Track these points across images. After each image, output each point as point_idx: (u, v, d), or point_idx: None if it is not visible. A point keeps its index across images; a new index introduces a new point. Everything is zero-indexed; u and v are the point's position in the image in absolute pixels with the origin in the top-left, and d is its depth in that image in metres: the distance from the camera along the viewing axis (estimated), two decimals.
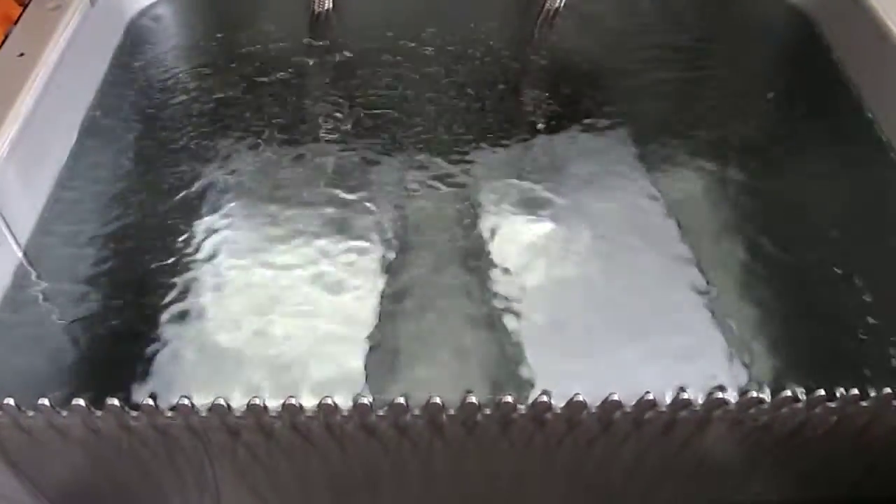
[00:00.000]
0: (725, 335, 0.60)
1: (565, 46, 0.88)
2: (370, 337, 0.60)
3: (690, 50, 0.86)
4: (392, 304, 0.62)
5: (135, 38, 0.87)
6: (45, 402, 0.45)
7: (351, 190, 0.71)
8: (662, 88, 0.82)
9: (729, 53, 0.86)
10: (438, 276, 0.64)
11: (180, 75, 0.83)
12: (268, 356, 0.59)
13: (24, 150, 0.63)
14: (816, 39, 0.84)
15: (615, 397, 0.45)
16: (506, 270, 0.64)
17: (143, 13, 0.89)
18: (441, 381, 0.58)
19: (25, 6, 0.74)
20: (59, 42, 0.71)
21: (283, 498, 0.55)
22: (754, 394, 0.46)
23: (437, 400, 0.45)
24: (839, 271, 0.64)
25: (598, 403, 0.45)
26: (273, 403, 0.45)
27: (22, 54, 0.68)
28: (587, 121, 0.78)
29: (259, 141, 0.76)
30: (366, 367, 0.58)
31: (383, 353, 0.59)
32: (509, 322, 0.61)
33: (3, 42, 0.70)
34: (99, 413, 0.46)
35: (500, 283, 0.64)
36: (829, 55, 0.82)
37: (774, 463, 0.52)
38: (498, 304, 0.62)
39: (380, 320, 0.61)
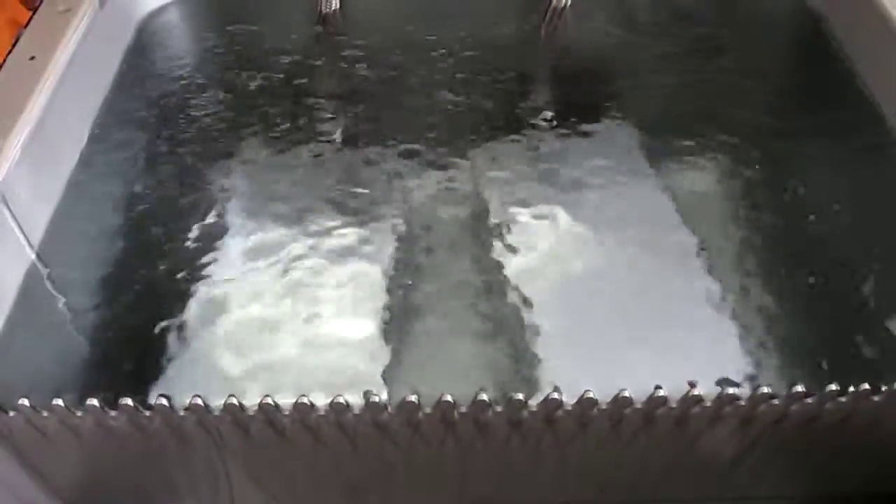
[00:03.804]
0: (736, 331, 0.60)
1: (572, 44, 0.88)
2: (379, 336, 0.60)
3: (699, 47, 0.86)
4: (399, 303, 0.62)
5: (144, 40, 0.87)
6: (60, 402, 0.46)
7: (356, 188, 0.71)
8: (670, 86, 0.82)
9: (737, 50, 0.86)
10: (445, 274, 0.65)
11: (189, 77, 0.83)
12: (275, 355, 0.59)
13: (35, 152, 0.63)
14: (825, 35, 0.84)
15: (626, 394, 0.45)
16: (513, 269, 0.64)
17: (153, 15, 0.89)
18: (452, 379, 0.58)
19: (35, 9, 0.75)
20: (69, 45, 0.71)
21: (296, 496, 0.55)
22: (765, 389, 0.45)
23: (449, 398, 0.45)
24: (852, 266, 0.64)
25: (608, 400, 0.46)
26: (285, 402, 0.46)
27: (33, 58, 0.69)
28: (594, 119, 0.77)
29: (268, 140, 0.76)
30: (375, 366, 0.58)
31: (393, 351, 0.59)
32: (518, 320, 0.61)
33: (14, 46, 0.70)
34: (113, 413, 0.46)
35: (508, 282, 0.64)
36: (838, 51, 0.82)
37: (785, 458, 0.52)
38: (506, 302, 0.62)
39: (387, 319, 0.61)
